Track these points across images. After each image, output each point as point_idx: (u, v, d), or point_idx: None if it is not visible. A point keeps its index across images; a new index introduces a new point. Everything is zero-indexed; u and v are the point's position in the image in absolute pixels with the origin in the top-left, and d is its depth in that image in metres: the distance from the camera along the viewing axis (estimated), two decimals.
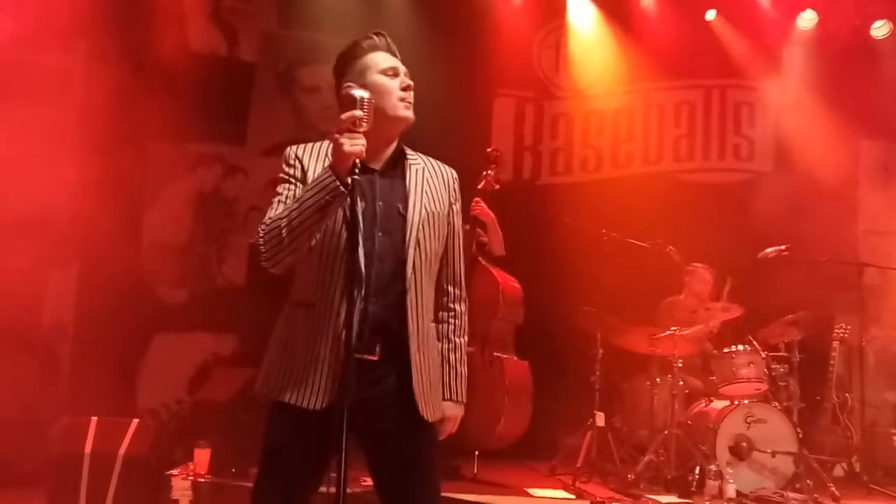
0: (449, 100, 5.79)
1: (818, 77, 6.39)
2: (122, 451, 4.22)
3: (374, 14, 5.93)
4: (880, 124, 6.56)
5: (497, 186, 4.95)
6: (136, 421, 4.41)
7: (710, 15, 6.51)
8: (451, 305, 2.31)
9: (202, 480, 4.16)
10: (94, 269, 5.47)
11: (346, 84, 2.10)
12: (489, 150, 5.05)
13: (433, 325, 2.23)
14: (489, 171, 4.91)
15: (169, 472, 4.22)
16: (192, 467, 4.25)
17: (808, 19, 6.48)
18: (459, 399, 2.27)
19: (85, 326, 5.48)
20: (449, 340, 2.29)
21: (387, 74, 2.13)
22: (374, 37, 2.20)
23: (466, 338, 2.35)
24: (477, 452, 4.80)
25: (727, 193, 6.53)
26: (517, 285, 5.02)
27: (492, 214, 4.93)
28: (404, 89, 2.13)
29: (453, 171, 2.31)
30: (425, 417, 2.12)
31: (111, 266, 5.42)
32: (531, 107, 6.63)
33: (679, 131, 6.77)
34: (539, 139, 6.63)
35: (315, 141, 2.21)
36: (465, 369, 2.31)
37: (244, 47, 5.98)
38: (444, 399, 2.24)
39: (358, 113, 1.95)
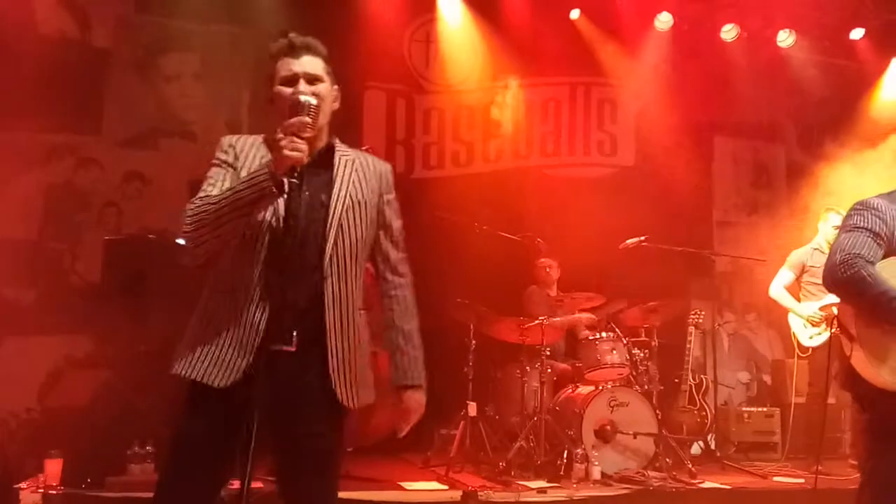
0: None
1: (675, 76, 6.75)
2: None
3: (238, 2, 5.73)
4: (731, 121, 7.02)
5: None
6: None
7: (575, 14, 6.73)
8: (392, 293, 2.31)
9: (53, 493, 3.93)
10: None
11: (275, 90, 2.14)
12: (363, 148, 5.00)
13: (361, 312, 2.20)
14: None
15: (17, 486, 3.96)
16: (42, 479, 4.01)
17: (664, 21, 6.83)
18: (418, 382, 2.26)
19: None
20: (394, 327, 2.30)
21: (285, 84, 2.13)
22: (280, 39, 2.18)
23: (416, 321, 2.32)
24: (350, 449, 4.77)
25: (592, 187, 6.79)
26: None
27: None
28: (292, 106, 2.04)
29: (387, 165, 2.32)
30: (343, 402, 2.10)
31: None
32: (402, 100, 6.64)
33: (546, 127, 6.99)
34: (411, 133, 6.66)
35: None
36: (418, 353, 2.30)
37: (98, 31, 5.61)
38: (402, 387, 2.27)
39: (306, 119, 1.99)
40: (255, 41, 5.35)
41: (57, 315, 5.27)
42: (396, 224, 2.32)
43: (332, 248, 2.11)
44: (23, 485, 3.96)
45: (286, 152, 1.96)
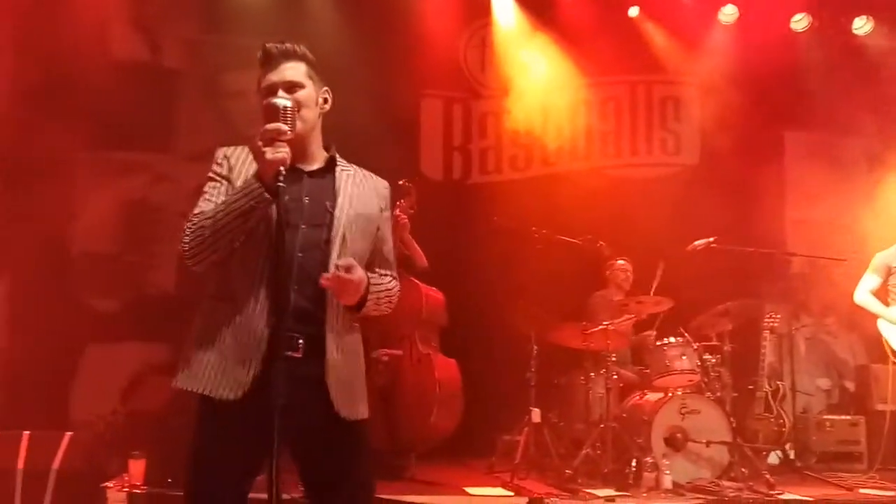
0: (376, 101, 5.80)
1: (741, 70, 6.47)
2: (55, 465, 4.20)
3: (296, 16, 5.89)
4: (803, 114, 6.69)
5: (412, 211, 5.00)
6: (68, 434, 4.37)
7: (634, 11, 6.60)
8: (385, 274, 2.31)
9: (138, 491, 4.10)
10: (23, 282, 5.40)
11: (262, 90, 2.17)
12: (401, 182, 5.00)
13: (354, 325, 2.23)
14: (401, 201, 4.93)
15: (104, 484, 4.15)
16: (127, 478, 4.19)
17: (729, 14, 6.60)
18: (370, 281, 2.16)
19: (16, 340, 5.40)
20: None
21: (265, 96, 2.15)
22: (262, 50, 2.21)
23: (394, 294, 2.31)
24: (414, 453, 4.82)
25: (656, 187, 6.62)
26: (439, 294, 5.11)
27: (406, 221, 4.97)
28: (267, 111, 2.06)
29: (385, 182, 2.35)
30: (341, 415, 2.11)
31: (41, 278, 5.37)
32: (459, 106, 6.67)
33: (606, 127, 6.86)
34: (468, 139, 6.67)
35: (244, 144, 2.22)
36: (385, 289, 2.25)
37: (167, 53, 5.93)
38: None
39: (283, 127, 2.01)
40: (314, 54, 5.50)
41: (137, 323, 5.59)
42: (389, 242, 2.34)
43: (340, 255, 2.12)
44: (109, 484, 4.14)
45: (268, 156, 1.99)
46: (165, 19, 5.92)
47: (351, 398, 2.16)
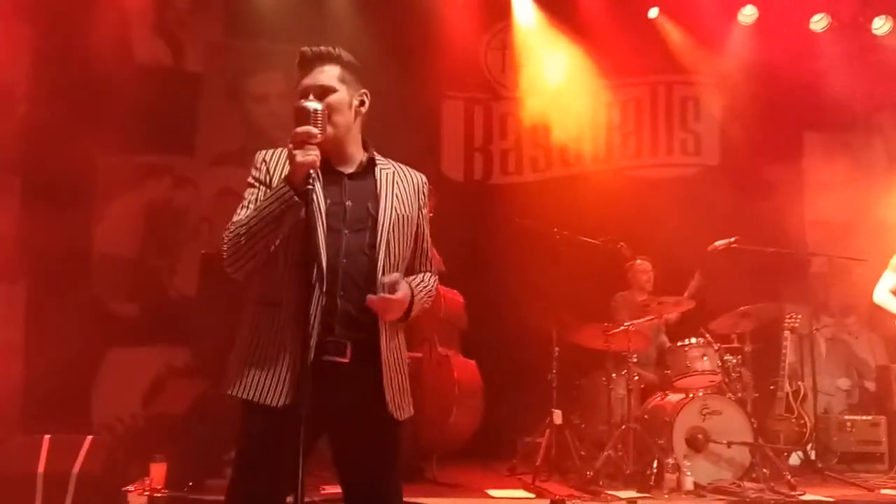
0: (397, 103, 5.78)
1: (760, 70, 6.48)
2: (76, 469, 4.18)
3: (319, 20, 5.91)
4: (822, 114, 6.68)
5: (431, 215, 5.00)
6: (89, 438, 4.38)
7: (653, 12, 6.60)
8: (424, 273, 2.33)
9: (159, 495, 4.10)
10: (43, 285, 5.42)
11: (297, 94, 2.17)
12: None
13: (399, 327, 2.23)
14: None
15: (125, 488, 4.16)
16: (148, 482, 4.19)
17: (748, 14, 6.58)
18: (414, 290, 2.18)
19: (36, 344, 5.40)
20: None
21: (301, 98, 2.14)
22: (299, 54, 2.21)
23: (433, 290, 2.34)
24: (435, 455, 4.82)
25: (676, 188, 6.61)
26: (458, 297, 5.13)
27: None
28: (296, 115, 2.04)
29: (423, 177, 2.33)
30: (395, 416, 2.13)
31: (61, 281, 5.39)
32: (480, 108, 6.71)
33: (627, 128, 6.88)
34: (489, 140, 6.70)
35: (268, 147, 2.21)
36: (427, 289, 2.28)
37: (190, 57, 5.96)
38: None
39: (313, 130, 2.00)
40: None
41: (158, 327, 5.59)
42: (428, 238, 2.35)
43: (382, 264, 2.12)
44: (130, 487, 4.14)
45: (298, 159, 1.98)
46: (188, 23, 5.95)
47: (402, 399, 2.18)
